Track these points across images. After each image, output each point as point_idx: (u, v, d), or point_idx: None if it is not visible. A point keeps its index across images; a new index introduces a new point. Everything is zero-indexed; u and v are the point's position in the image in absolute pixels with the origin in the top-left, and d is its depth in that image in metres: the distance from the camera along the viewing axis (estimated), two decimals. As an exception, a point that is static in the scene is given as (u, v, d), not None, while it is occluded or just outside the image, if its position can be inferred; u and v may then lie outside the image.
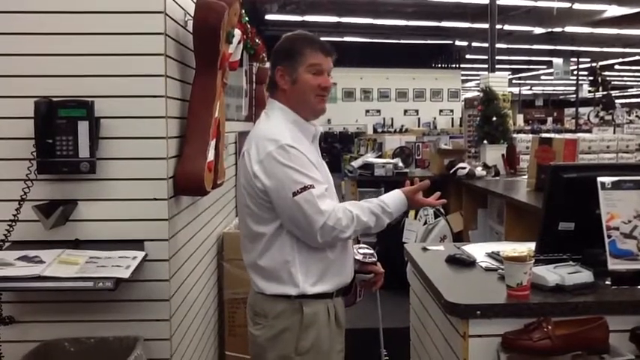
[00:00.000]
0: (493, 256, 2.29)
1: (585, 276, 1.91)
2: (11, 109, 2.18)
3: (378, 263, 2.28)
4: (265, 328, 2.01)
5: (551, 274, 1.90)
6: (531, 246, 2.15)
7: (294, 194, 1.89)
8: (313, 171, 1.96)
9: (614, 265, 1.92)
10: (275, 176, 1.91)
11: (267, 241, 1.98)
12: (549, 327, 1.71)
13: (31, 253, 2.08)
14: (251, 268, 2.07)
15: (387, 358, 2.85)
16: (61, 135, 2.11)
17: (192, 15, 2.40)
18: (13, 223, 2.16)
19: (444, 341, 2.03)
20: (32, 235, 2.20)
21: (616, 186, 1.98)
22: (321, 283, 2.00)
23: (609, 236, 1.93)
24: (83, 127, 2.12)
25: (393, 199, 2.05)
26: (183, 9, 2.48)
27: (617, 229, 1.94)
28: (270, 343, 2.00)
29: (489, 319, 1.78)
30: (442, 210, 6.04)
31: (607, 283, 1.94)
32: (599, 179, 1.98)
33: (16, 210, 2.15)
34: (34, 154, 2.12)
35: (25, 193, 2.14)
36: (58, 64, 2.19)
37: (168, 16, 2.27)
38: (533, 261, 1.85)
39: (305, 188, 1.89)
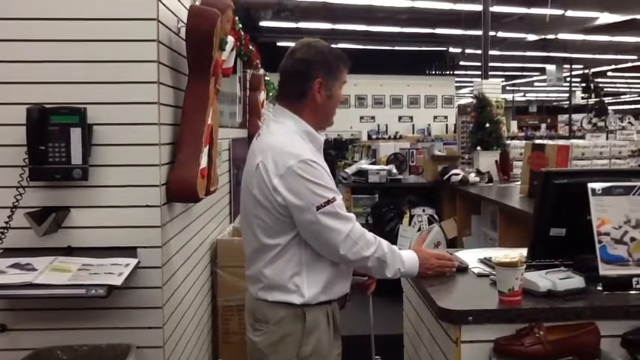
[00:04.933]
0: (485, 261, 2.30)
1: (577, 281, 1.92)
2: (3, 115, 2.18)
3: None
4: (266, 334, 2.00)
5: (543, 280, 1.91)
6: (523, 252, 2.16)
7: (318, 208, 1.88)
8: (332, 183, 1.96)
9: (605, 270, 1.93)
10: (298, 191, 1.89)
11: (277, 253, 1.96)
12: (541, 332, 1.72)
13: (23, 260, 2.07)
14: (254, 277, 2.04)
15: (380, 364, 2.85)
16: (54, 142, 2.11)
17: (185, 22, 2.41)
18: (5, 231, 2.16)
19: (436, 347, 2.04)
20: (24, 243, 2.19)
21: (606, 192, 1.99)
22: (324, 294, 2.00)
23: (600, 242, 1.94)
24: (76, 133, 2.12)
25: (405, 252, 2.10)
26: (176, 16, 2.49)
27: (607, 234, 1.95)
28: (271, 349, 1.99)
29: (481, 325, 1.78)
30: (436, 216, 6.05)
31: (598, 288, 1.95)
32: (590, 185, 1.99)
33: (8, 217, 2.15)
34: (27, 160, 2.12)
35: (17, 200, 2.14)
36: (51, 70, 2.19)
37: (161, 23, 2.27)
38: (525, 267, 1.85)
39: (328, 202, 1.90)
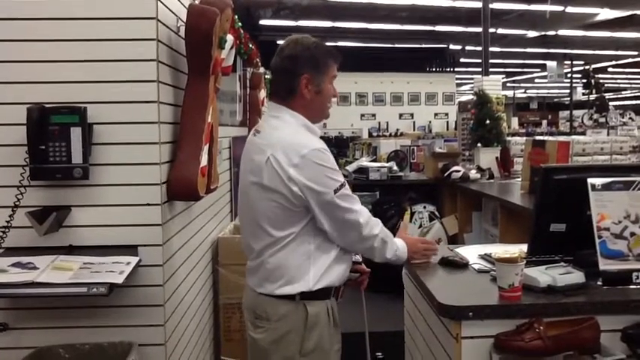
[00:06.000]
0: (485, 257, 2.30)
1: (577, 277, 1.93)
2: (4, 115, 2.19)
3: (363, 263, 2.32)
4: (268, 331, 2.01)
5: (543, 275, 1.91)
6: (523, 248, 2.17)
7: (335, 191, 1.98)
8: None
9: (604, 265, 1.94)
10: (315, 178, 1.96)
11: (286, 244, 2.00)
12: (541, 328, 1.72)
13: (25, 259, 2.08)
14: (259, 270, 2.06)
15: (381, 360, 2.86)
16: (54, 141, 2.12)
17: (185, 21, 2.41)
18: (7, 230, 2.16)
19: (437, 343, 2.04)
20: (26, 242, 2.20)
21: (606, 187, 1.99)
22: (328, 281, 2.03)
23: (600, 237, 1.95)
24: (76, 133, 2.13)
25: (397, 239, 2.23)
26: (175, 15, 2.49)
27: (607, 229, 1.95)
28: (273, 346, 2.01)
29: (481, 321, 1.79)
30: (437, 213, 6.06)
31: (598, 283, 1.95)
32: (590, 180, 1.99)
33: (9, 216, 2.16)
34: (27, 160, 2.13)
35: (19, 200, 2.15)
36: (51, 70, 2.20)
37: (161, 21, 2.28)
38: (525, 262, 1.86)
39: (342, 185, 2.01)
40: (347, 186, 2.03)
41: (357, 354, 2.43)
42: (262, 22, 13.75)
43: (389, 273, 2.76)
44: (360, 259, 2.30)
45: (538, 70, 21.92)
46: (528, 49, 18.09)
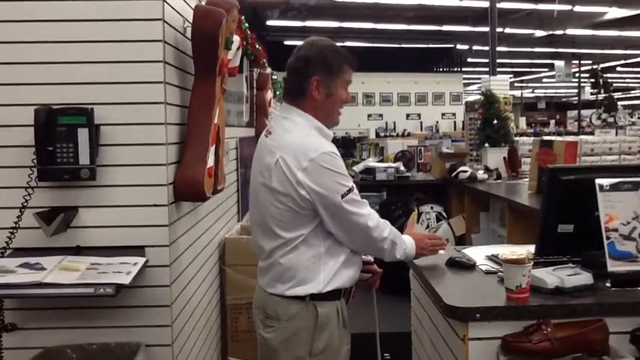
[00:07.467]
0: (493, 258, 2.29)
1: (585, 278, 1.92)
2: (11, 117, 2.20)
3: (374, 264, 2.33)
4: (278, 330, 2.02)
5: (551, 277, 1.90)
6: (531, 248, 2.16)
7: (343, 196, 1.97)
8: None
9: (613, 266, 1.92)
10: (323, 182, 1.95)
11: (296, 246, 2.00)
12: (549, 329, 1.71)
13: (33, 260, 2.09)
14: (270, 271, 2.06)
15: (389, 361, 2.86)
16: (62, 142, 2.13)
17: (191, 22, 2.42)
18: (15, 230, 2.18)
19: (444, 344, 2.03)
20: (33, 242, 2.21)
21: (614, 188, 1.98)
22: (339, 283, 2.04)
23: (608, 238, 1.93)
24: (83, 134, 2.13)
25: (405, 237, 2.21)
26: (181, 16, 2.50)
27: (616, 230, 1.94)
28: (283, 345, 2.02)
29: (489, 322, 1.78)
30: (444, 214, 6.04)
31: (607, 285, 1.94)
32: (597, 181, 1.98)
33: (17, 217, 2.17)
34: (35, 161, 2.14)
35: (27, 201, 2.16)
36: (58, 72, 2.20)
37: (167, 23, 2.28)
38: (532, 263, 1.85)
39: (350, 190, 1.99)
40: (355, 190, 2.02)
41: (366, 354, 2.43)
42: (269, 22, 13.77)
43: (398, 274, 2.76)
44: (372, 260, 2.30)
45: (546, 69, 21.83)
46: (536, 49, 18.02)
